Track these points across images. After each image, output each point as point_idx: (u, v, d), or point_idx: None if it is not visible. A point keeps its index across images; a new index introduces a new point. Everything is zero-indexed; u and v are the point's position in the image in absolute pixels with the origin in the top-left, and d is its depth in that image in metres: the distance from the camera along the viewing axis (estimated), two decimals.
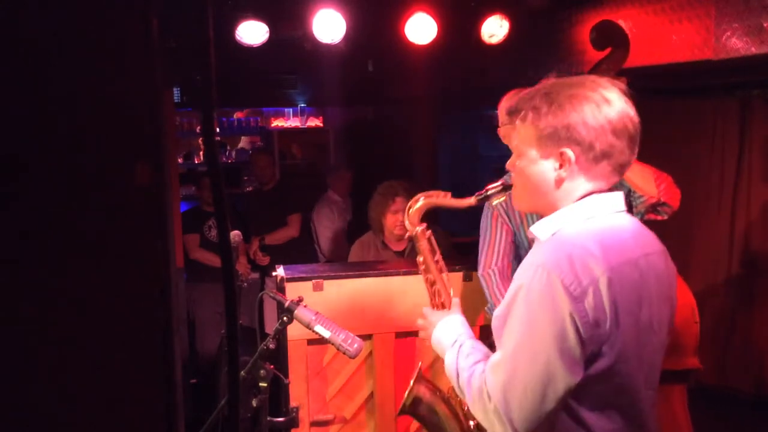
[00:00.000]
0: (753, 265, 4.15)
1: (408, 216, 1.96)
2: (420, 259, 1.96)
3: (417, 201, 1.95)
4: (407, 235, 2.00)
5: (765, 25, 2.78)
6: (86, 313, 0.66)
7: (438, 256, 1.96)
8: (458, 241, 4.38)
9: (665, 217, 2.48)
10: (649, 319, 1.45)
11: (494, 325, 1.49)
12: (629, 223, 1.51)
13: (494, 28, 4.15)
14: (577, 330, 1.34)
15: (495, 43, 4.18)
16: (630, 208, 2.56)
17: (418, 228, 1.95)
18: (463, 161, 7.41)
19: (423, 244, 1.95)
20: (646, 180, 2.41)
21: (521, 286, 1.41)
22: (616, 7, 3.69)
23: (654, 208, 2.46)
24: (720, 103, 4.18)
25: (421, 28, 4.05)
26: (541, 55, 4.33)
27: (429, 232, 1.97)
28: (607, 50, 2.48)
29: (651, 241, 1.52)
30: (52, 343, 0.65)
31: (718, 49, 3.01)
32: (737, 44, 2.89)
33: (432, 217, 2.02)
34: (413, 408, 2.06)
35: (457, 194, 1.93)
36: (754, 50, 2.83)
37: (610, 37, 2.49)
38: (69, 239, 0.65)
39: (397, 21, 4.06)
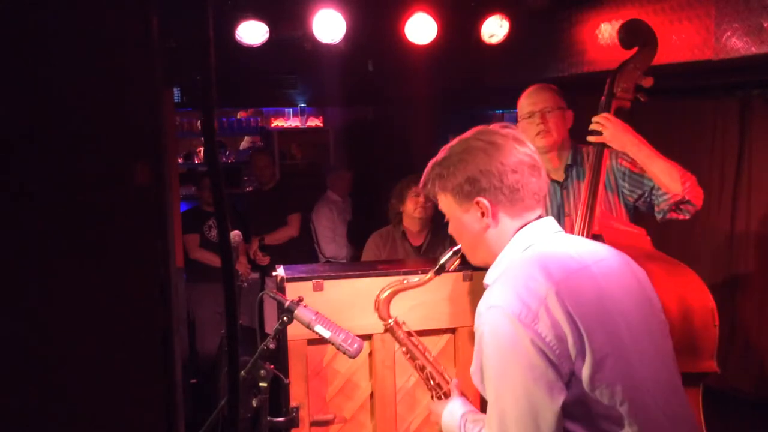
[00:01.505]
0: (753, 264, 4.15)
1: (378, 312, 2.06)
2: (403, 349, 2.05)
3: (382, 293, 2.07)
4: (383, 330, 2.08)
5: (765, 25, 2.78)
6: (86, 313, 0.66)
7: (417, 340, 2.05)
8: None
9: (687, 216, 2.47)
10: (625, 320, 1.45)
11: (474, 381, 1.54)
12: (568, 240, 1.59)
13: (494, 28, 4.15)
14: (543, 354, 1.36)
15: (495, 43, 4.18)
16: (650, 206, 2.57)
17: (390, 320, 2.06)
18: None
19: (400, 334, 2.06)
20: (672, 177, 2.40)
21: (482, 333, 1.47)
22: (616, 7, 3.68)
23: (677, 206, 2.45)
24: (720, 103, 4.18)
25: (421, 28, 4.04)
26: (541, 55, 4.33)
27: (403, 321, 2.08)
28: (635, 49, 2.47)
29: (599, 250, 1.58)
30: (51, 344, 0.65)
31: (718, 49, 3.01)
32: (737, 44, 2.89)
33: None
34: None
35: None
36: (754, 50, 2.83)
37: (639, 35, 2.47)
38: (68, 239, 0.65)
39: (397, 21, 4.05)
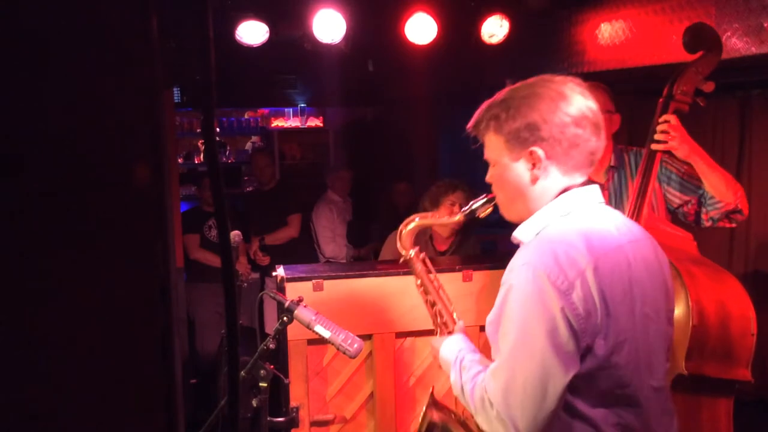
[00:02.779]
0: (753, 264, 4.15)
1: (400, 241, 2.00)
2: (418, 282, 2.00)
3: (409, 223, 2.00)
4: (401, 260, 2.01)
5: (765, 25, 2.78)
6: (85, 313, 0.66)
7: (434, 276, 2.00)
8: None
9: (735, 225, 2.49)
10: (642, 305, 1.46)
11: (488, 330, 1.51)
12: (609, 213, 1.54)
13: (494, 28, 4.15)
14: (569, 324, 1.35)
15: (495, 43, 4.18)
16: (695, 213, 2.56)
17: (411, 251, 2.00)
18: (463, 161, 7.41)
19: (418, 267, 2.00)
20: (728, 186, 2.41)
21: (510, 287, 1.42)
22: (616, 7, 3.68)
23: (728, 215, 2.46)
24: (720, 103, 4.18)
25: (421, 28, 4.04)
26: (542, 55, 4.33)
27: (423, 254, 2.01)
28: (699, 53, 2.44)
29: (634, 230, 1.55)
30: (50, 344, 0.65)
31: None
32: (737, 44, 2.89)
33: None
34: None
35: None
36: (754, 50, 2.83)
37: (705, 40, 2.45)
38: (68, 239, 0.65)
39: (397, 21, 4.05)
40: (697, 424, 2.30)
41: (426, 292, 1.97)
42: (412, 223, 1.99)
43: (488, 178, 1.62)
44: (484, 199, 1.84)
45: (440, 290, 1.98)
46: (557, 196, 1.50)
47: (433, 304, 1.95)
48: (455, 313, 1.95)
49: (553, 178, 1.49)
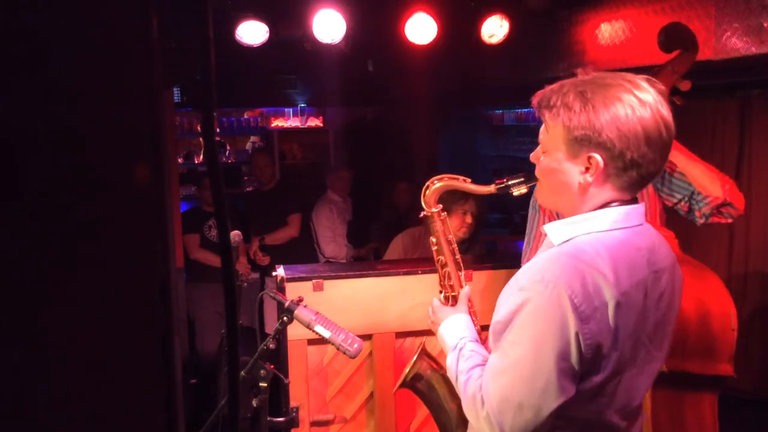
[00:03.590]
0: (752, 264, 4.15)
1: (424, 197, 1.94)
2: (433, 239, 1.95)
3: (435, 182, 1.92)
4: (422, 214, 1.98)
5: (765, 25, 2.78)
6: (85, 313, 0.66)
7: (452, 238, 1.95)
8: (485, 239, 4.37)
9: (730, 220, 2.47)
10: (646, 334, 1.44)
11: (494, 329, 1.46)
12: (646, 238, 1.46)
13: (494, 28, 4.15)
14: (579, 350, 1.33)
15: (495, 43, 4.18)
16: (690, 211, 2.56)
17: (433, 209, 1.93)
18: (463, 161, 7.41)
19: (437, 225, 1.94)
20: (712, 180, 2.40)
21: (529, 299, 1.36)
22: (616, 7, 3.68)
23: (718, 210, 2.45)
24: (720, 103, 4.18)
25: (421, 28, 4.05)
26: (541, 55, 4.33)
27: (444, 214, 1.96)
28: (675, 53, 2.46)
29: (663, 257, 1.48)
30: (50, 344, 0.65)
31: (718, 49, 3.01)
32: (737, 44, 2.89)
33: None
34: (413, 383, 2.07)
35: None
36: (754, 50, 2.83)
37: (680, 39, 2.46)
38: (67, 239, 0.65)
39: (397, 21, 4.06)
40: (682, 420, 2.33)
41: (438, 252, 1.93)
42: (440, 182, 1.92)
43: (534, 157, 1.51)
44: (522, 179, 1.72)
45: (454, 253, 1.93)
46: (601, 207, 1.42)
47: (443, 265, 1.92)
48: (463, 278, 1.92)
49: (603, 189, 1.41)
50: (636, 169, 1.37)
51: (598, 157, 1.37)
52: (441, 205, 1.95)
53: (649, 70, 2.44)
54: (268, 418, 2.22)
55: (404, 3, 4.03)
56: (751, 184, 4.09)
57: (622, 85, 1.37)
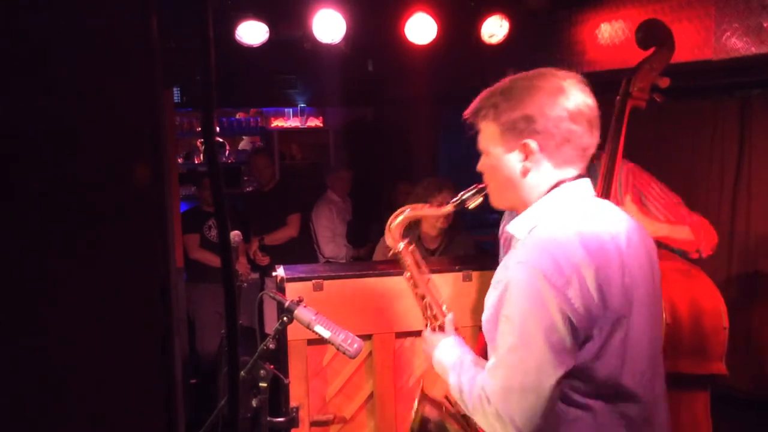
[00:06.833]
0: (753, 264, 4.15)
1: (389, 232, 1.98)
2: (407, 275, 2.00)
3: (398, 216, 1.98)
4: (390, 253, 2.01)
5: (765, 25, 2.78)
6: (85, 313, 0.66)
7: (424, 269, 2.00)
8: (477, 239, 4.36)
9: (697, 256, 2.51)
10: (632, 292, 1.47)
11: (485, 329, 1.51)
12: (601, 207, 1.55)
13: (494, 28, 4.15)
14: (567, 320, 1.36)
15: (495, 43, 4.17)
16: None
17: (400, 244, 1.99)
18: (463, 161, 7.40)
19: (408, 260, 1.99)
20: (684, 237, 2.43)
21: (507, 286, 1.43)
22: (615, 7, 3.68)
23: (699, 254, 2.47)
24: (720, 103, 4.18)
25: (421, 28, 4.04)
26: (541, 55, 4.33)
27: (412, 246, 2.01)
28: (651, 50, 2.47)
29: (623, 218, 1.56)
30: (50, 344, 0.65)
31: (718, 49, 3.01)
32: (737, 44, 2.89)
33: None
34: (422, 428, 2.06)
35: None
36: (754, 50, 2.83)
37: (656, 36, 2.47)
38: (67, 239, 0.65)
39: (397, 21, 4.05)
40: (676, 421, 2.33)
41: (415, 285, 1.97)
42: (401, 216, 1.99)
43: (480, 166, 1.63)
44: (474, 190, 1.84)
45: (429, 283, 1.97)
46: (550, 191, 1.51)
47: (422, 297, 1.95)
48: (445, 306, 1.95)
49: (545, 171, 1.51)
50: (568, 144, 1.48)
51: (531, 141, 1.48)
52: (407, 240, 2.00)
53: (672, 71, 2.46)
54: (268, 418, 2.22)
55: (404, 3, 4.03)
56: (751, 184, 4.09)
57: (541, 76, 1.51)
